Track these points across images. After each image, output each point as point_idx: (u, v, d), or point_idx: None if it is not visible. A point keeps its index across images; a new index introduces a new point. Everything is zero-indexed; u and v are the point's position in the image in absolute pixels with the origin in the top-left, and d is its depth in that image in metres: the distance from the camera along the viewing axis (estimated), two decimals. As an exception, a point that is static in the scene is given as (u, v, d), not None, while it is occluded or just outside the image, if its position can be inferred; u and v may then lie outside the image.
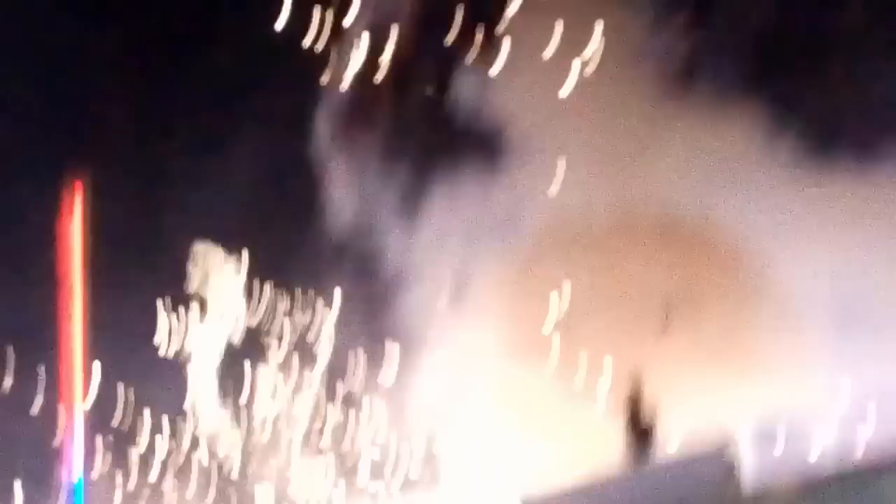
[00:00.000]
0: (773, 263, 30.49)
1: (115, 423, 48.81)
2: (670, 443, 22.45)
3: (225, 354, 41.39)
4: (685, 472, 17.07)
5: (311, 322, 38.65)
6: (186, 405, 41.84)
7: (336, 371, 39.34)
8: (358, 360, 37.73)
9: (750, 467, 18.23)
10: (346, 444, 42.88)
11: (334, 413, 40.90)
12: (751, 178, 29.75)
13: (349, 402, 40.47)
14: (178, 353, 40.80)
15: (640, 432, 21.67)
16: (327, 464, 42.25)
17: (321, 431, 42.09)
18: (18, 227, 41.44)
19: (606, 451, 23.37)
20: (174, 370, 40.84)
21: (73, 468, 56.20)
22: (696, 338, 30.47)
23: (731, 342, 30.95)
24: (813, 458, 17.60)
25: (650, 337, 29.65)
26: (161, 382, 40.88)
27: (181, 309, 41.49)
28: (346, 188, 35.37)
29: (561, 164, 30.65)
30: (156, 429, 44.77)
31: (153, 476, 46.01)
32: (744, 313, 31.09)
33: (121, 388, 42.76)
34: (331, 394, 40.49)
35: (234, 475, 43.79)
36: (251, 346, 41.04)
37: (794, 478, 16.44)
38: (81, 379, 54.39)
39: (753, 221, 30.02)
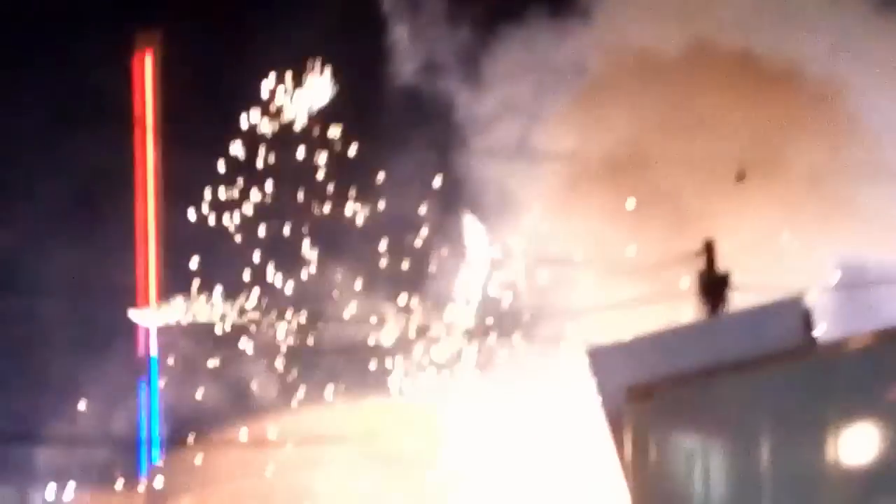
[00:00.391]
0: (863, 108, 29.54)
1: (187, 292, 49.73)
2: (745, 292, 21.84)
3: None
4: (760, 322, 16.45)
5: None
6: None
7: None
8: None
9: (827, 318, 17.63)
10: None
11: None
12: (841, 21, 28.77)
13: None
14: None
15: (714, 280, 21.02)
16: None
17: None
18: (89, 90, 41.86)
19: (677, 295, 22.82)
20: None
21: (149, 344, 57.75)
22: (776, 184, 29.66)
23: (815, 189, 30.09)
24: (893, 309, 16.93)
25: (725, 181, 28.90)
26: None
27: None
28: (414, 40, 35.09)
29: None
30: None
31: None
32: (829, 159, 30.20)
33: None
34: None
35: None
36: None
37: (871, 329, 15.77)
38: (155, 252, 55.19)
39: (841, 64, 29.08)
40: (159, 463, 60.15)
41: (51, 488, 64.78)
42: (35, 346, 51.16)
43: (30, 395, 52.87)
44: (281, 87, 43.10)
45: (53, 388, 52.61)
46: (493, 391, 46.55)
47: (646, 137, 31.33)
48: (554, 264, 40.12)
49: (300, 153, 45.20)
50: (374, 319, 45.81)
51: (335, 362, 51.61)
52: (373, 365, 52.91)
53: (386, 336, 46.88)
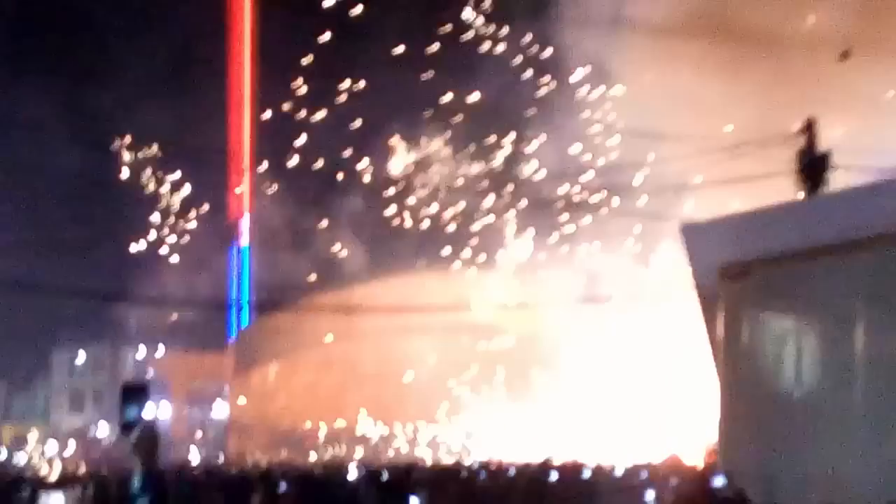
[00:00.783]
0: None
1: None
2: (845, 172, 21.43)
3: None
4: (859, 203, 16.06)
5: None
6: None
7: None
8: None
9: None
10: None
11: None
12: None
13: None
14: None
15: (814, 160, 20.61)
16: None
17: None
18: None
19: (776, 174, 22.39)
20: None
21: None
22: (882, 63, 28.94)
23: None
24: None
25: (829, 59, 28.21)
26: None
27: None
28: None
29: None
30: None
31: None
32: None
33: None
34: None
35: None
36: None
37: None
38: (251, 117, 55.48)
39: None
40: (249, 327, 61.02)
41: (142, 349, 66.04)
42: (132, 204, 51.81)
43: (122, 258, 53.65)
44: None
45: (147, 250, 53.34)
46: (584, 263, 46.46)
47: (750, 12, 30.66)
48: (651, 138, 39.74)
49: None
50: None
51: (426, 232, 51.78)
52: (464, 236, 53.09)
53: (479, 206, 46.81)
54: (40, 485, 14.61)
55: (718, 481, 14.50)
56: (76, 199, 52.72)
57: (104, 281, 48.25)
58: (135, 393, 4.37)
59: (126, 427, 4.36)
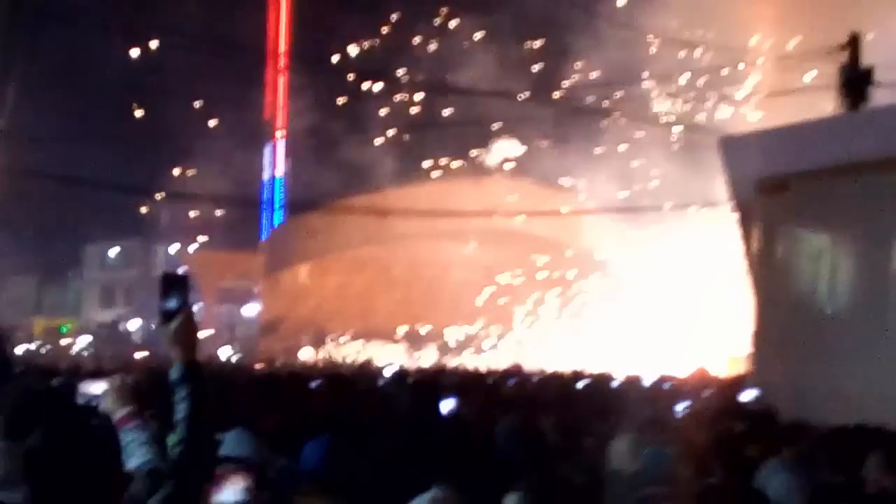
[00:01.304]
0: None
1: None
2: (888, 89, 21.16)
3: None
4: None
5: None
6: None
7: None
8: None
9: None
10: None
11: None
12: None
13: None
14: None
15: (856, 75, 20.36)
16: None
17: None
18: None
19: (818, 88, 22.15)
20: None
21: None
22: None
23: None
24: None
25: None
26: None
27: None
28: None
29: None
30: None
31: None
32: None
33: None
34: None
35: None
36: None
37: None
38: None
39: None
40: (281, 227, 61.17)
41: (174, 245, 66.34)
42: (166, 102, 51.74)
43: (158, 151, 53.68)
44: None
45: (182, 146, 53.36)
46: (618, 169, 46.21)
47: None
48: (685, 45, 39.38)
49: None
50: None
51: (461, 136, 51.60)
52: (501, 142, 52.89)
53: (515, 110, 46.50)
54: (76, 375, 14.67)
55: (748, 395, 14.48)
56: (115, 95, 52.70)
57: (138, 176, 48.32)
58: (175, 282, 4.34)
59: (166, 316, 4.36)
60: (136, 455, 5.46)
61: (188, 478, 4.83)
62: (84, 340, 64.67)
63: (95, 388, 6.46)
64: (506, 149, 52.74)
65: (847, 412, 10.33)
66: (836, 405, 12.29)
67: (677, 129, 42.42)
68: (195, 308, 5.41)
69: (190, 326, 5.11)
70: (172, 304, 5.16)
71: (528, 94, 44.22)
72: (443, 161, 53.98)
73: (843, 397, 13.03)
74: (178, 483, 4.82)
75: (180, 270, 41.31)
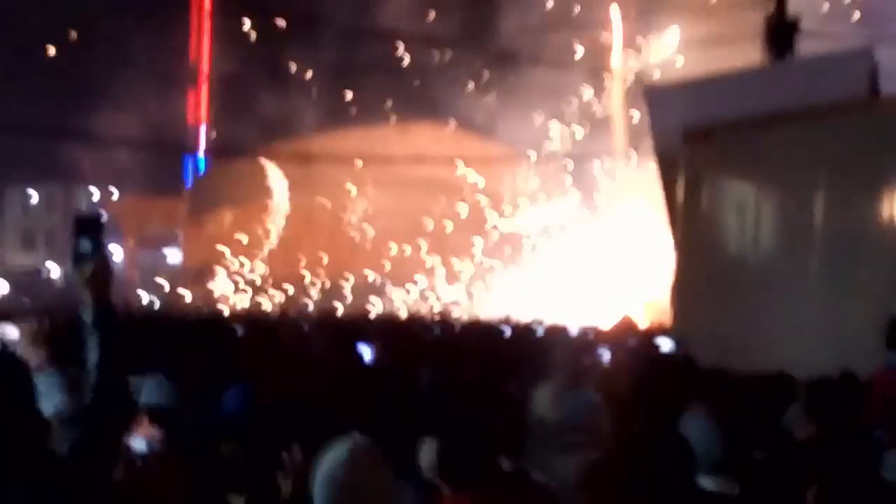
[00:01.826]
0: None
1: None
2: (813, 39, 21.23)
3: None
4: (826, 71, 15.93)
5: None
6: None
7: None
8: None
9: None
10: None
11: None
12: None
13: None
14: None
15: (782, 25, 20.35)
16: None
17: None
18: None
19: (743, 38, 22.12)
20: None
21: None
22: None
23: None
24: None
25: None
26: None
27: None
28: None
29: None
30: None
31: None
32: None
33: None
34: None
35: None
36: None
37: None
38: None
39: None
40: (205, 174, 60.66)
41: (96, 191, 65.61)
42: (89, 45, 50.96)
43: (80, 94, 52.94)
44: None
45: (104, 88, 52.63)
46: (536, 119, 46.18)
47: None
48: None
49: None
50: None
51: (387, 83, 51.30)
52: (429, 89, 52.59)
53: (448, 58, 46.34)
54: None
55: (666, 344, 14.54)
56: (36, 37, 51.86)
57: (59, 120, 47.64)
58: (89, 224, 4.21)
59: (79, 259, 4.22)
60: (53, 400, 5.35)
61: (99, 424, 4.72)
62: (2, 284, 63.89)
63: (10, 332, 6.35)
64: (433, 96, 52.56)
65: (766, 361, 10.41)
66: (756, 355, 12.37)
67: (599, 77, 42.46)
68: (111, 251, 5.30)
69: (104, 269, 4.98)
70: (86, 246, 5.03)
71: (455, 38, 44.07)
72: (376, 108, 53.74)
73: (763, 346, 13.12)
74: (88, 429, 4.71)
75: (95, 213, 40.89)
